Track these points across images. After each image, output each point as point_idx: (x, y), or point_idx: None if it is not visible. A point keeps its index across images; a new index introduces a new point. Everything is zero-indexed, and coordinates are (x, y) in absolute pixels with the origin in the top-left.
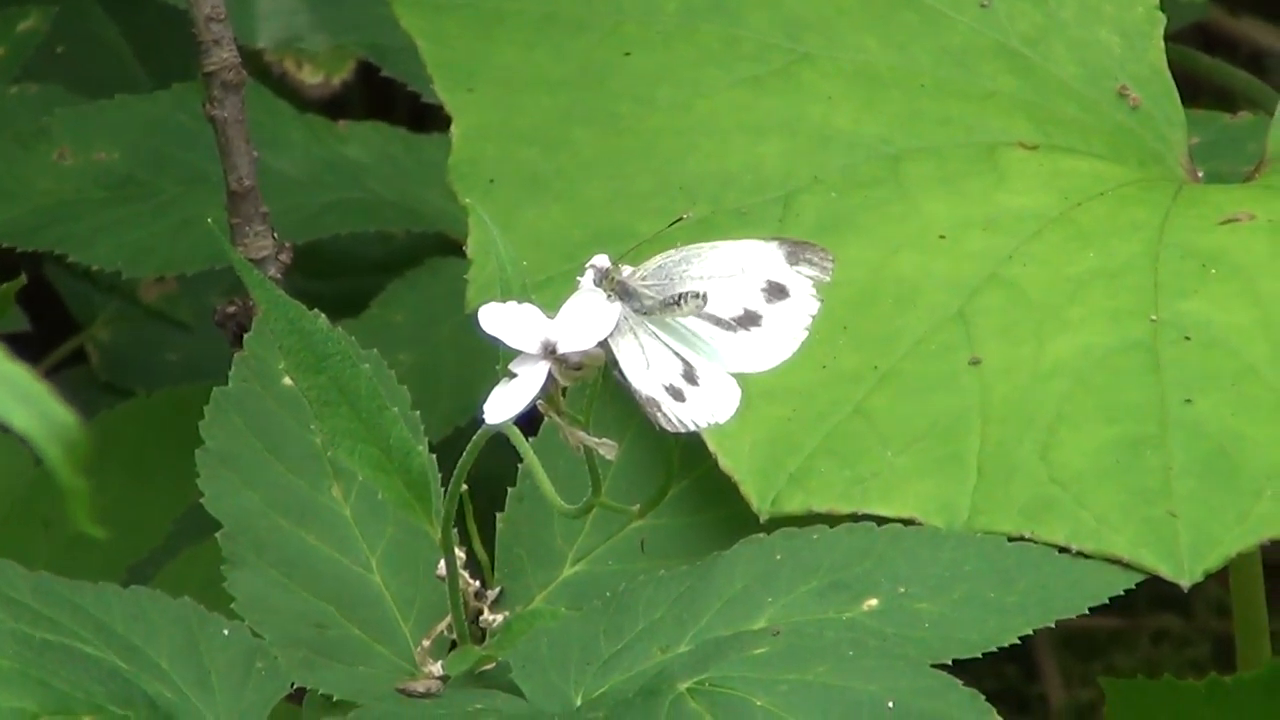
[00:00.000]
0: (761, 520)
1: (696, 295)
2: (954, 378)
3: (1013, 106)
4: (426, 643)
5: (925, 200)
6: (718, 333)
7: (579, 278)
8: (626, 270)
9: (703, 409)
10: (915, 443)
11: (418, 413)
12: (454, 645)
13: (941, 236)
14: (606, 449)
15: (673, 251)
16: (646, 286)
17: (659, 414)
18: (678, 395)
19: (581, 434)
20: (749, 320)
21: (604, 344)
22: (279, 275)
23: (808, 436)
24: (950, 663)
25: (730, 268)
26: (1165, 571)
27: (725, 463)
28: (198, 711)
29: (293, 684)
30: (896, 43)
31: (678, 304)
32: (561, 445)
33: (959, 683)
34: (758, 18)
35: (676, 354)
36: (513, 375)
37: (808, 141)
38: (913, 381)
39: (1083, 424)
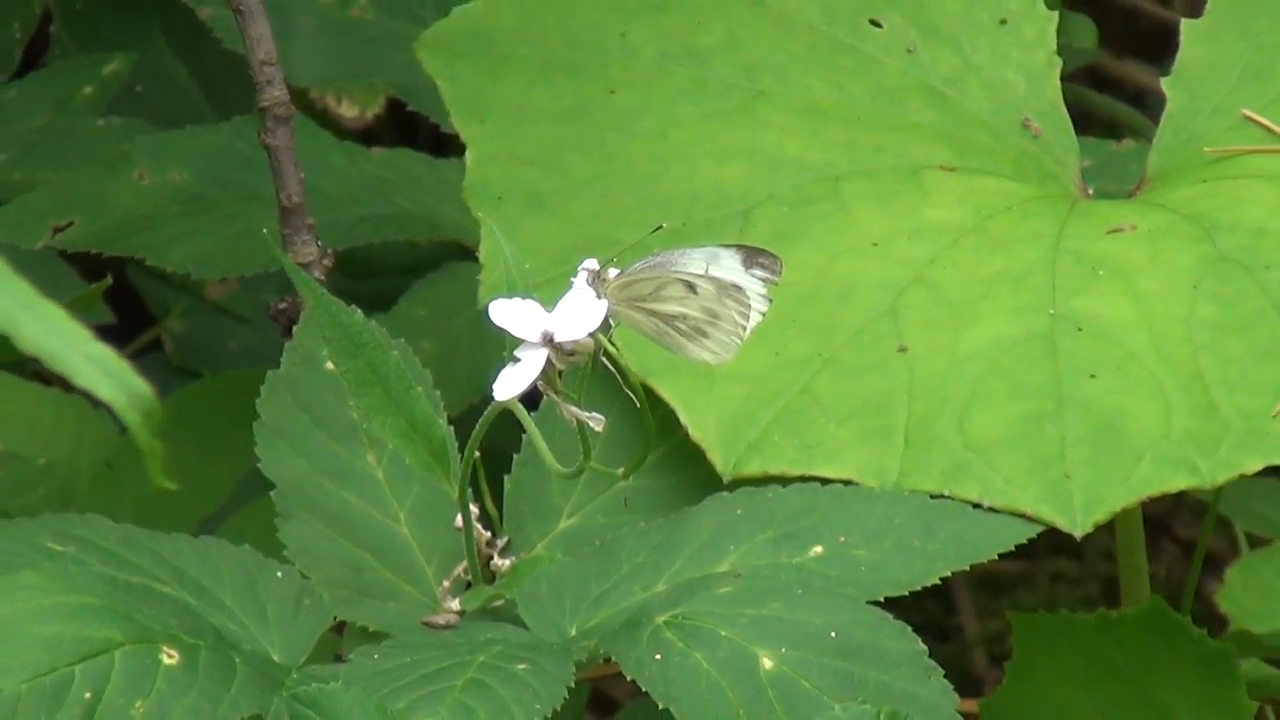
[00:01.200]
0: (725, 481)
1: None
2: (885, 362)
3: (934, 136)
4: (446, 583)
5: (861, 214)
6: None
7: (572, 279)
8: (613, 272)
9: (710, 345)
10: (853, 417)
11: (438, 391)
12: (469, 586)
13: (875, 244)
14: (595, 422)
15: (651, 257)
16: (633, 285)
17: (672, 338)
18: (699, 332)
19: (574, 409)
20: (701, 320)
21: (593, 334)
22: (322, 277)
23: (763, 412)
24: (882, 600)
25: (697, 269)
26: (1061, 524)
27: (695, 434)
28: (256, 641)
29: (335, 618)
30: (837, 83)
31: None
32: (558, 419)
33: (890, 616)
34: (721, 61)
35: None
36: (517, 360)
37: (763, 165)
38: (851, 366)
39: (993, 401)
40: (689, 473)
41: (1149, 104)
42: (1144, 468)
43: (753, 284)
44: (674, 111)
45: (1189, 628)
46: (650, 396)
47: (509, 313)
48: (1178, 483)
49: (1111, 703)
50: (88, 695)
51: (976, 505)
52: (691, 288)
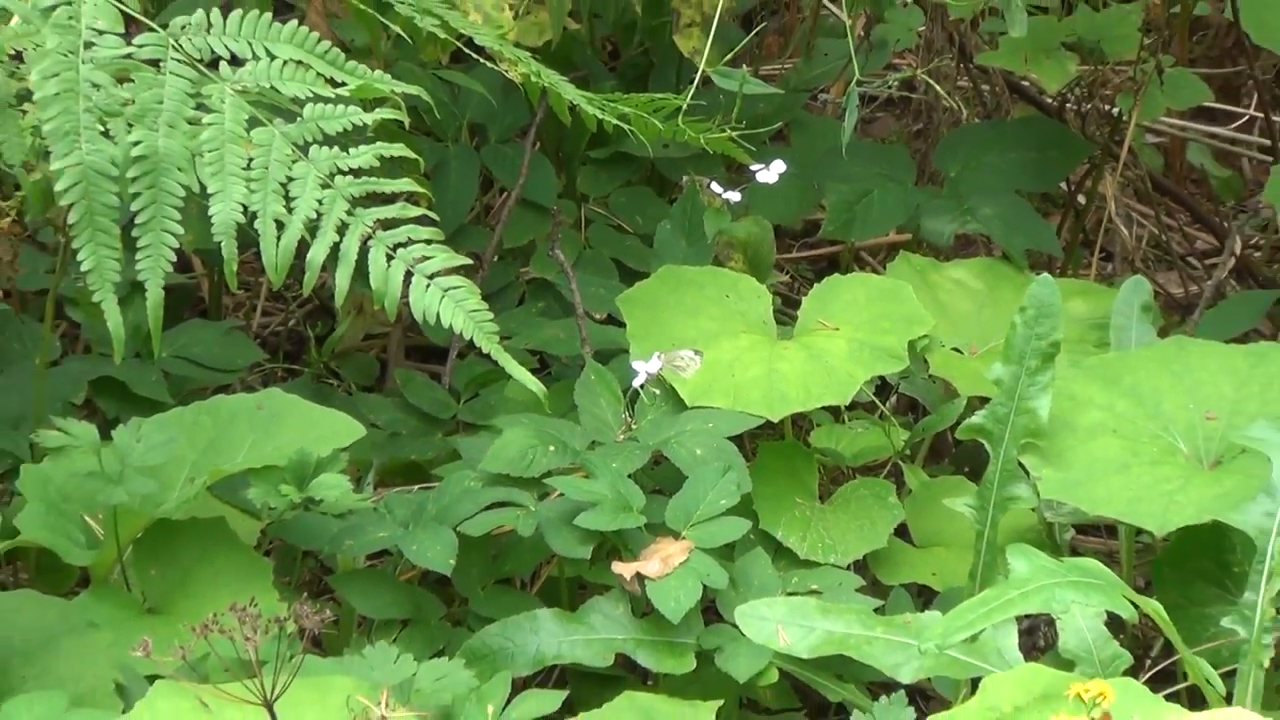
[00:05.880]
0: (689, 407)
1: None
2: (728, 379)
3: (747, 327)
4: (618, 430)
5: (725, 342)
6: (679, 370)
7: (657, 355)
8: (666, 354)
9: (687, 373)
10: (721, 392)
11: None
12: (624, 431)
13: (730, 350)
14: (654, 390)
15: (673, 350)
16: (667, 356)
17: (676, 371)
18: (685, 368)
19: (652, 388)
20: (685, 366)
21: (661, 367)
22: (590, 356)
23: (702, 389)
24: (729, 438)
25: (685, 354)
26: (772, 418)
27: (682, 394)
28: (573, 443)
29: (591, 441)
30: (723, 311)
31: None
32: (648, 390)
33: (731, 444)
34: (708, 313)
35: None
36: (636, 376)
37: (703, 332)
38: (721, 378)
39: (756, 387)
40: (680, 405)
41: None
42: (795, 402)
43: (698, 358)
44: (686, 317)
45: (803, 448)
46: (673, 387)
47: (641, 365)
48: (811, 407)
49: (789, 472)
50: (536, 454)
51: (754, 416)
52: (684, 355)
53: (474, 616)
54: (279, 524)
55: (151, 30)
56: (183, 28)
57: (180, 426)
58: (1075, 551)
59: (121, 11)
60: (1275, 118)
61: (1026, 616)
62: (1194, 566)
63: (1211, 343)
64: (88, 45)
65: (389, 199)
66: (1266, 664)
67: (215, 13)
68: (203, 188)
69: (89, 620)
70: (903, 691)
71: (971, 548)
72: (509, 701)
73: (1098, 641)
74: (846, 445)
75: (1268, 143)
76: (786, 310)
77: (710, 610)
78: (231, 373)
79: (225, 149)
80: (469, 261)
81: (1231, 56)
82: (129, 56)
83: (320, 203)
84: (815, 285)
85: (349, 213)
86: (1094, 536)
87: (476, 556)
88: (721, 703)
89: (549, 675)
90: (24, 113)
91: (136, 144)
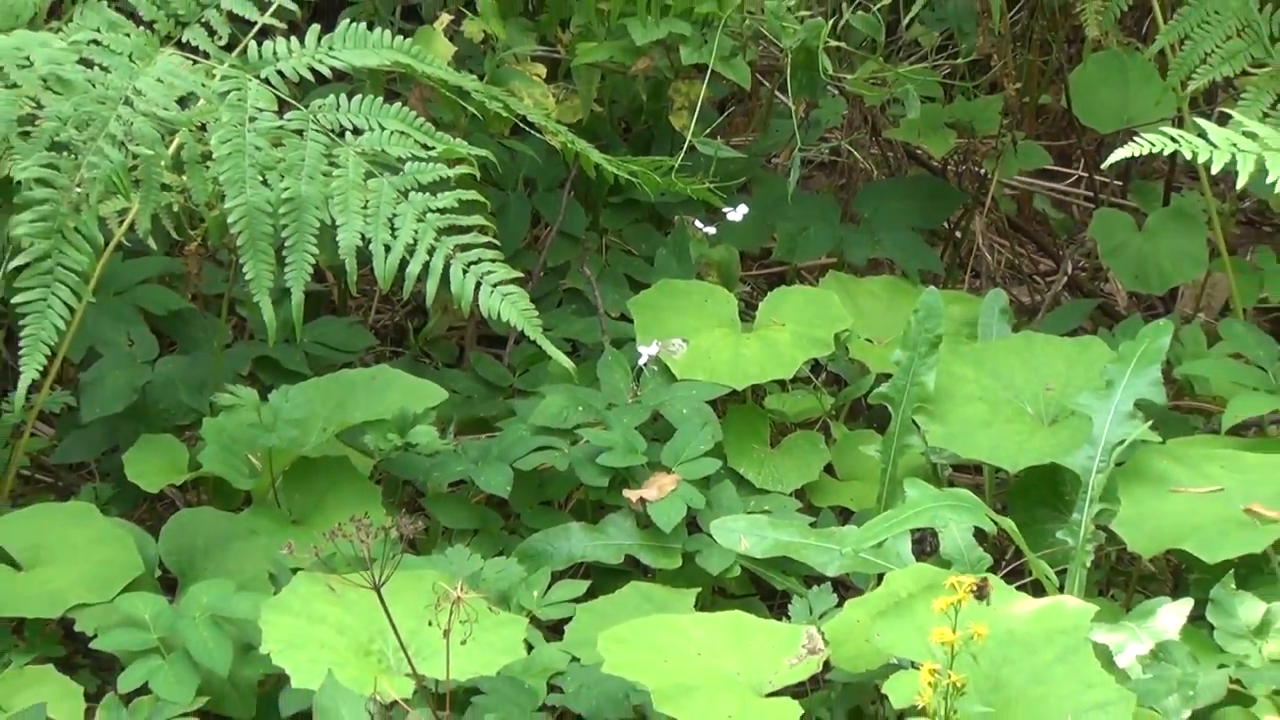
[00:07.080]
0: (678, 379)
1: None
2: (708, 360)
3: (719, 324)
4: (629, 394)
5: (705, 334)
6: (672, 353)
7: (656, 343)
8: (663, 342)
9: (676, 355)
10: (709, 368)
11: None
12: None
13: (709, 340)
14: (654, 367)
15: (669, 339)
16: (663, 343)
17: (669, 354)
18: (675, 351)
19: (653, 365)
20: (675, 350)
21: (659, 351)
22: (608, 344)
23: (692, 367)
24: (706, 402)
25: (675, 342)
26: (737, 388)
27: (674, 370)
28: (596, 404)
29: (609, 403)
30: (704, 313)
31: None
32: (650, 367)
33: (708, 404)
34: (696, 317)
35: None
36: (641, 356)
37: (689, 327)
38: (703, 358)
39: (725, 365)
40: (672, 378)
41: None
42: (753, 376)
43: (684, 345)
44: (675, 319)
45: (759, 409)
46: (667, 366)
47: (644, 349)
48: (765, 379)
49: (749, 426)
50: (570, 412)
51: (724, 386)
52: (675, 343)
53: (524, 528)
54: (386, 460)
55: (297, 109)
56: (319, 107)
57: (316, 391)
58: (952, 484)
59: (276, 95)
60: (1096, 176)
61: (917, 530)
62: (1036, 495)
63: (1050, 336)
64: (251, 119)
65: (465, 230)
66: (1088, 565)
67: (343, 96)
68: (333, 221)
69: (250, 529)
70: (829, 583)
71: (878, 481)
72: (549, 588)
73: (968, 548)
74: (790, 407)
75: (1091, 194)
76: (748, 311)
77: (692, 524)
78: (353, 353)
79: (349, 194)
80: (521, 275)
81: (1065, 133)
82: (281, 127)
83: (416, 232)
84: (768, 294)
85: (436, 240)
86: (965, 474)
87: (527, 485)
88: (699, 590)
89: (577, 570)
90: (207, 167)
91: (286, 190)
